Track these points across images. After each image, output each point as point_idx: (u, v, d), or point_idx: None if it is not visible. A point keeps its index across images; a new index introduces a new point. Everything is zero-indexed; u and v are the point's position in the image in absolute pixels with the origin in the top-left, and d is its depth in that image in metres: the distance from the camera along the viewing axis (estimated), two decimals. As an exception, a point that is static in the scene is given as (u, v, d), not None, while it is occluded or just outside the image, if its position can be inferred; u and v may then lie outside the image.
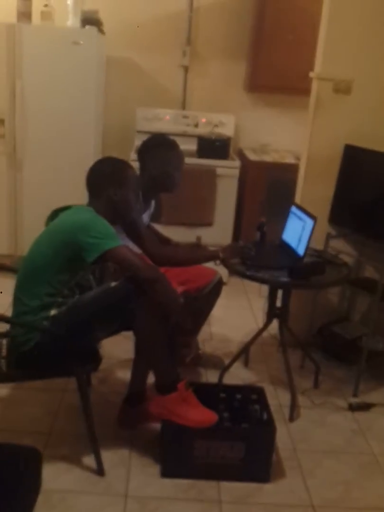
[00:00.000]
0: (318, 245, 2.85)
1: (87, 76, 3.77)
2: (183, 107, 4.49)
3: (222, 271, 2.89)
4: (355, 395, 2.80)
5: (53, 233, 2.14)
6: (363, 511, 2.10)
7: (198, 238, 3.09)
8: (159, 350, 2.17)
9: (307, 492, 2.17)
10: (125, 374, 2.63)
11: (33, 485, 1.74)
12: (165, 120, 4.35)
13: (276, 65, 4.04)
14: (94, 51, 3.75)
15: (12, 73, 3.69)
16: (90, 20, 3.77)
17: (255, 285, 2.88)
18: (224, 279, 3.16)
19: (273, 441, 2.20)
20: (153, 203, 2.83)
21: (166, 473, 2.19)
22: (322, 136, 2.95)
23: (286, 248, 2.74)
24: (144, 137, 2.84)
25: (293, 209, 2.77)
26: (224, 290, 2.93)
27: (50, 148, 3.84)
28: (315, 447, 2.43)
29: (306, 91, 3.04)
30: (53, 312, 2.11)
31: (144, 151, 2.69)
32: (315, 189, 3.00)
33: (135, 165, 2.72)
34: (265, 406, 2.29)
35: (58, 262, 2.08)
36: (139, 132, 4.22)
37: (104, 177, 2.23)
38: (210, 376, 2.86)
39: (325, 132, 2.94)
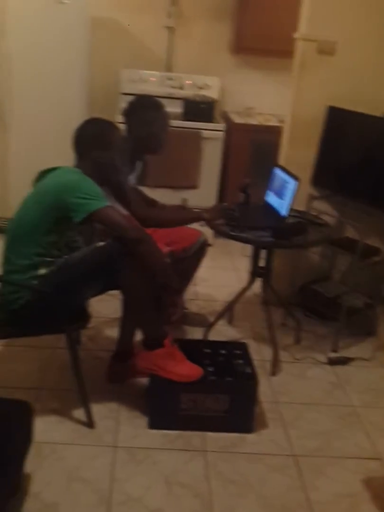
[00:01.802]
0: (301, 206, 2.90)
1: (72, 36, 3.74)
2: (169, 69, 4.46)
3: (207, 232, 2.94)
4: (334, 350, 2.92)
5: (41, 194, 2.16)
6: (343, 460, 2.20)
7: (184, 200, 3.13)
8: (145, 308, 2.23)
9: (288, 442, 2.27)
10: (113, 332, 2.70)
11: (25, 437, 1.82)
12: (150, 82, 4.33)
13: (261, 27, 4.02)
14: (78, 10, 3.70)
15: (-5, 33, 3.65)
16: (74, -22, 3.71)
17: (239, 245, 2.94)
18: (210, 240, 3.21)
19: (256, 394, 2.29)
20: (139, 165, 2.85)
21: (154, 425, 2.28)
22: (305, 98, 2.98)
23: (269, 209, 2.79)
24: (129, 100, 2.83)
25: (276, 170, 2.81)
26: (210, 251, 2.98)
27: (36, 109, 3.83)
28: (296, 400, 2.54)
29: (290, 54, 3.04)
30: (42, 271, 2.15)
31: (130, 113, 2.69)
32: (298, 151, 3.04)
33: (121, 127, 2.74)
34: (248, 360, 2.38)
35: (46, 222, 2.11)
36: (124, 94, 4.20)
37: (91, 138, 2.24)
38: (196, 334, 2.94)
39: (308, 93, 2.97)
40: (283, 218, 2.61)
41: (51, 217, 2.10)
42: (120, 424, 2.29)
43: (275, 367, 2.71)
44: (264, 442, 2.27)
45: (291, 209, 2.63)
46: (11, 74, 3.73)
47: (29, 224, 2.14)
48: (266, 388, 2.57)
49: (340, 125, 2.94)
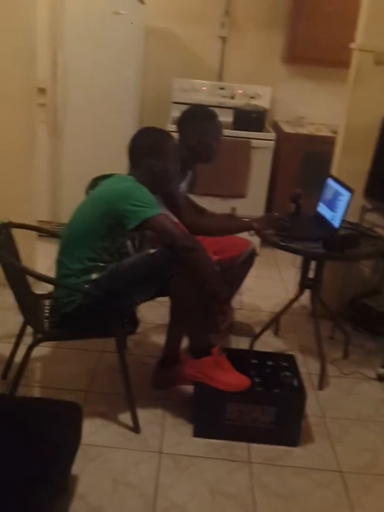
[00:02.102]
0: (353, 218, 2.86)
1: (127, 46, 3.81)
2: (220, 78, 4.49)
3: (254, 242, 2.92)
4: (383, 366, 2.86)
5: (96, 201, 2.20)
6: (390, 478, 2.16)
7: (233, 209, 3.13)
8: (194, 316, 2.24)
9: (335, 458, 2.23)
10: (159, 338, 2.72)
11: (73, 438, 1.85)
12: (201, 91, 4.37)
13: (314, 37, 4.00)
14: (134, 21, 3.77)
15: (53, 43, 3.75)
16: (130, -11, 3.78)
17: (286, 256, 2.90)
18: (256, 249, 3.20)
19: (303, 407, 2.26)
20: (190, 173, 2.87)
21: (199, 433, 2.27)
22: (360, 108, 2.94)
23: (320, 220, 2.76)
24: (181, 108, 2.86)
25: (329, 181, 2.78)
26: (256, 261, 2.97)
27: (89, 117, 3.91)
28: (343, 415, 2.49)
29: (344, 64, 3.02)
30: (94, 276, 2.19)
31: (183, 122, 2.72)
32: (352, 161, 3.00)
33: (174, 135, 2.77)
34: (295, 373, 2.35)
35: (100, 228, 2.14)
36: (175, 103, 4.25)
37: (145, 147, 2.26)
38: (241, 344, 2.92)
39: (364, 104, 2.93)
40: (335, 229, 2.58)
41: (104, 223, 2.13)
42: (165, 430, 2.29)
43: (322, 381, 2.66)
44: (310, 456, 2.23)
45: (343, 221, 2.60)
46: (67, 83, 3.83)
47: (83, 229, 2.18)
48: (313, 402, 2.53)
49: (395, 137, 2.89)
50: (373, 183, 2.97)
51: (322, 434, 2.36)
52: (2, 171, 3.13)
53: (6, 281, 2.13)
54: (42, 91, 3.72)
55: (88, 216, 2.18)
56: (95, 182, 2.49)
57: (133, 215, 2.07)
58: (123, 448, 2.18)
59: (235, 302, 3.24)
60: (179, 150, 2.70)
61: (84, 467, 2.04)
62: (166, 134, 2.33)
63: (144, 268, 2.16)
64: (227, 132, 3.82)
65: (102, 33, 3.75)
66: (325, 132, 4.19)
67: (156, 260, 2.15)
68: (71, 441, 1.83)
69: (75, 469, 1.93)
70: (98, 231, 2.15)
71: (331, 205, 2.68)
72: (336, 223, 2.58)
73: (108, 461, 2.10)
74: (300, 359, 2.77)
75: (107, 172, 2.43)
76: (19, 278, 2.24)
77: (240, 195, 4.06)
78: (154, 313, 2.96)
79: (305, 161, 4.09)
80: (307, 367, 2.79)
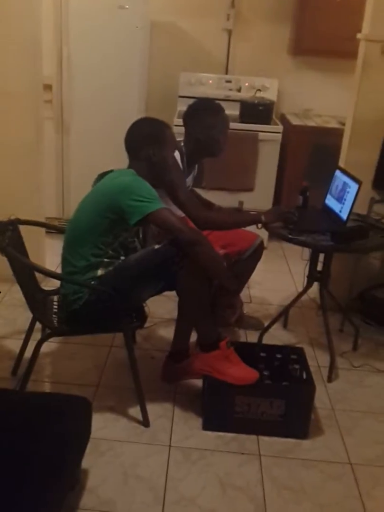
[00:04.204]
0: (362, 210, 2.85)
1: (132, 41, 3.80)
2: (226, 71, 4.47)
3: (262, 235, 2.92)
4: (394, 358, 2.84)
5: (97, 197, 2.20)
6: (401, 470, 2.15)
7: (240, 203, 3.12)
8: (201, 310, 2.24)
9: (345, 450, 2.23)
10: (168, 333, 2.72)
11: (83, 433, 1.86)
12: (208, 84, 4.35)
13: (321, 28, 3.96)
14: (139, 15, 3.76)
15: (59, 39, 3.75)
16: (135, -17, 3.77)
17: (294, 249, 2.90)
18: (264, 243, 3.19)
19: (312, 399, 2.26)
20: (196, 167, 2.87)
21: (208, 426, 2.28)
22: (368, 99, 2.91)
23: (329, 212, 2.75)
24: (187, 102, 2.84)
25: (337, 173, 2.76)
26: (264, 254, 2.96)
27: (96, 112, 3.91)
28: (353, 407, 2.48)
29: (351, 55, 3.00)
30: (100, 272, 2.19)
31: (190, 115, 2.70)
32: (360, 153, 2.98)
33: (180, 129, 2.76)
34: (304, 365, 2.35)
35: (102, 224, 2.14)
36: (181, 97, 4.23)
37: (143, 137, 2.24)
38: (250, 337, 2.93)
39: (371, 95, 2.90)
40: (344, 221, 2.57)
41: (106, 219, 2.12)
42: (174, 424, 2.30)
43: (331, 373, 2.66)
44: (320, 448, 2.23)
45: (352, 213, 2.58)
46: (72, 78, 3.83)
47: (85, 225, 2.18)
48: (322, 394, 2.52)
49: (403, 127, 2.87)
50: (381, 174, 2.95)
51: (331, 426, 2.36)
52: (9, 168, 3.14)
53: (15, 277, 2.15)
54: (48, 87, 3.72)
55: (90, 212, 2.18)
56: (101, 177, 2.48)
57: (136, 210, 2.05)
58: (133, 442, 2.19)
59: (244, 295, 3.23)
60: (186, 144, 2.70)
61: (94, 461, 2.06)
62: (163, 123, 2.29)
63: (150, 263, 2.16)
64: (234, 125, 3.81)
65: (107, 28, 3.74)
66: (333, 124, 4.16)
67: (162, 255, 2.14)
68: (80, 435, 1.84)
69: (85, 463, 1.95)
70: (100, 226, 2.14)
71: (339, 197, 2.67)
72: (344, 215, 2.57)
73: (118, 455, 2.12)
74: (309, 352, 2.76)
75: (114, 167, 2.42)
76: (27, 275, 2.25)
77: (248, 189, 4.04)
78: (162, 307, 2.96)
79: (313, 153, 4.06)
80: (317, 359, 2.78)
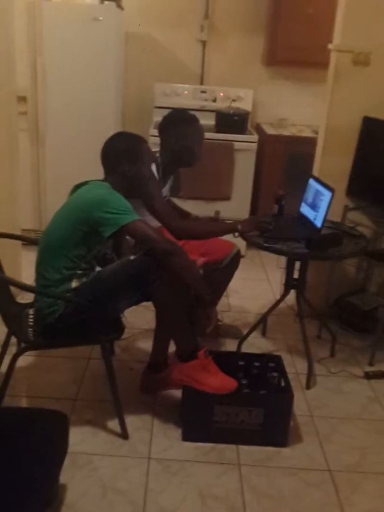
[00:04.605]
0: (336, 218, 2.88)
1: (107, 52, 3.80)
2: (201, 82, 4.50)
3: (240, 244, 2.93)
4: (371, 364, 2.87)
5: (70, 209, 2.18)
6: (379, 475, 2.16)
7: (217, 212, 3.13)
8: (178, 320, 2.24)
9: (324, 457, 2.23)
10: (146, 344, 2.71)
11: (60, 448, 1.84)
12: (183, 95, 4.38)
13: (294, 39, 4.02)
14: (113, 27, 3.78)
15: (33, 51, 3.74)
16: (108, -5, 3.79)
17: (272, 257, 2.93)
18: (242, 252, 3.21)
19: (290, 407, 2.27)
20: (172, 177, 2.88)
21: (187, 437, 2.27)
22: (340, 108, 2.96)
23: (304, 220, 2.77)
24: (163, 113, 2.87)
25: (311, 181, 2.80)
26: (242, 263, 2.98)
27: (71, 124, 3.90)
28: (331, 414, 2.50)
29: (324, 65, 3.04)
30: (74, 284, 2.17)
31: (164, 126, 2.72)
32: (333, 161, 3.02)
33: (156, 140, 2.77)
34: (282, 373, 2.36)
35: (75, 237, 2.12)
36: (157, 107, 4.25)
37: (118, 153, 2.24)
38: (229, 346, 2.93)
39: (343, 104, 2.95)
40: (318, 229, 2.59)
41: (80, 231, 2.11)
42: (154, 436, 2.29)
43: (310, 380, 2.67)
44: (299, 456, 2.24)
45: (326, 220, 2.61)
46: (47, 89, 3.82)
47: (58, 238, 2.16)
48: (301, 401, 2.54)
49: (375, 135, 2.91)
50: (354, 182, 3.00)
51: (310, 433, 2.37)
52: (-16, 180, 3.11)
53: (-11, 291, 2.12)
54: (22, 99, 3.70)
55: (63, 224, 2.16)
56: (77, 189, 2.47)
57: (110, 222, 2.05)
58: (111, 455, 2.18)
59: (222, 304, 3.25)
60: (162, 154, 2.71)
61: (72, 476, 2.03)
62: (139, 138, 2.30)
63: (125, 274, 2.15)
64: (210, 135, 3.84)
65: (81, 39, 3.75)
66: (308, 133, 4.21)
67: (137, 266, 2.14)
68: (58, 450, 1.82)
69: (64, 478, 1.92)
70: (73, 239, 2.13)
71: (313, 205, 2.70)
72: (318, 223, 2.60)
73: (96, 469, 2.09)
74: (287, 359, 2.79)
75: (89, 179, 2.41)
76: (1, 288, 2.22)
77: (225, 198, 4.07)
78: (141, 318, 2.95)
79: (288, 162, 4.11)
80: (295, 367, 2.80)
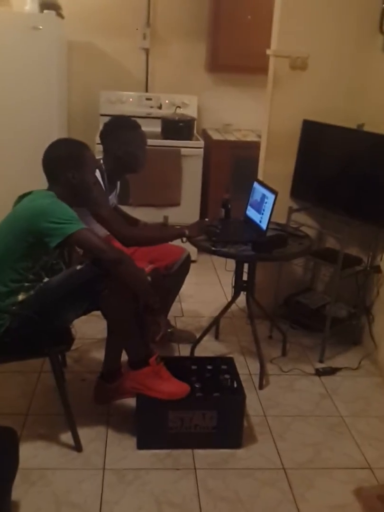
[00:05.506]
0: (281, 219, 2.93)
1: (48, 61, 3.75)
2: (146, 89, 4.50)
3: (191, 249, 2.94)
4: (321, 360, 2.93)
5: (14, 220, 2.13)
6: (332, 471, 2.20)
7: (165, 218, 3.15)
8: (128, 328, 2.22)
9: (278, 456, 2.27)
10: (99, 353, 2.69)
11: (10, 464, 1.80)
12: (128, 102, 4.37)
13: (235, 45, 4.07)
14: (54, 35, 3.73)
15: (-30, 61, 3.66)
16: (48, 4, 3.74)
17: (222, 261, 2.95)
18: (193, 256, 3.23)
19: (243, 408, 2.29)
20: (118, 184, 2.87)
21: (142, 445, 2.26)
22: (280, 113, 3.02)
23: (250, 223, 2.81)
24: (105, 121, 2.85)
25: (255, 185, 2.84)
26: (194, 267, 3.00)
27: (14, 134, 3.82)
28: (284, 412, 2.53)
29: (264, 70, 3.09)
30: (20, 297, 2.13)
31: (106, 133, 2.71)
32: (277, 164, 3.08)
33: (99, 148, 2.76)
34: (235, 375, 2.38)
35: (20, 248, 2.08)
36: (103, 115, 4.22)
37: (60, 160, 2.19)
38: (183, 351, 2.94)
39: (283, 108, 3.01)
40: (263, 231, 2.63)
41: (25, 242, 2.06)
42: (108, 446, 2.27)
43: (262, 380, 2.71)
44: (254, 456, 2.26)
45: (272, 222, 2.66)
46: (-12, 100, 3.74)
47: (3, 251, 2.10)
48: (254, 402, 2.56)
49: (315, 138, 2.98)
50: (297, 184, 3.06)
51: (264, 433, 2.40)
52: None
53: None
54: (-38, 110, 3.64)
55: (6, 236, 2.10)
56: (21, 199, 2.43)
57: (55, 233, 2.01)
58: (65, 468, 2.15)
59: (176, 309, 3.26)
60: (106, 161, 2.70)
61: (25, 492, 2.00)
62: (80, 144, 2.26)
63: (72, 284, 2.12)
64: (156, 141, 3.86)
65: (21, 49, 3.68)
66: (252, 138, 4.28)
67: (84, 276, 2.12)
68: (7, 467, 1.78)
69: (16, 495, 1.88)
70: (18, 251, 2.08)
71: (258, 208, 2.74)
72: (264, 225, 2.64)
73: (50, 483, 2.06)
74: (240, 360, 2.82)
75: (34, 189, 2.37)
76: None
77: (174, 203, 4.08)
78: (93, 328, 2.92)
79: (234, 166, 4.16)
80: (248, 368, 2.83)
